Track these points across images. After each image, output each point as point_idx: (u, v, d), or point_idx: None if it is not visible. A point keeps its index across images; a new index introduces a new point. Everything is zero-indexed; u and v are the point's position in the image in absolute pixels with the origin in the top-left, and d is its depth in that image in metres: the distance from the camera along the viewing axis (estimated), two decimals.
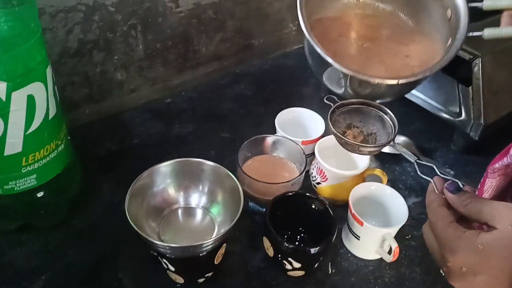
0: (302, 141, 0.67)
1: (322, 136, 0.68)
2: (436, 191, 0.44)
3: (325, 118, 0.60)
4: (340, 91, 0.59)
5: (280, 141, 0.67)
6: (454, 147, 0.78)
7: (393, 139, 0.54)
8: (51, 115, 0.53)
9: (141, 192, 0.56)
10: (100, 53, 0.76)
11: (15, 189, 0.54)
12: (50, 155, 0.55)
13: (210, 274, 0.56)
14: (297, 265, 0.55)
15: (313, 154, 0.66)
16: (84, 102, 0.79)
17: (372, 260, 0.61)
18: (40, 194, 0.57)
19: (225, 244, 0.55)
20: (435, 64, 0.55)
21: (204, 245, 0.51)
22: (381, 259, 0.61)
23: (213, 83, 0.90)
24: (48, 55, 0.53)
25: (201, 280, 0.56)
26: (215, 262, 0.55)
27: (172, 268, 0.53)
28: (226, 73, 0.93)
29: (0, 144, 0.50)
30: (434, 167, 0.47)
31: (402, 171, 0.74)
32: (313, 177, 0.67)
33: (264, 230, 0.56)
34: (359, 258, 0.62)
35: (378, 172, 0.66)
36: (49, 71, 0.52)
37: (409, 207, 0.59)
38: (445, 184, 0.43)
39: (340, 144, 0.56)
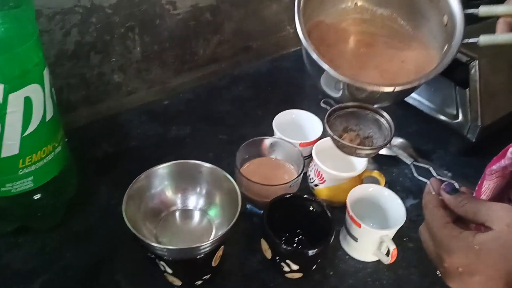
0: (300, 143, 0.67)
1: (320, 138, 0.68)
2: (433, 192, 0.44)
3: (322, 120, 0.60)
4: (337, 94, 0.59)
5: (278, 143, 0.67)
6: (451, 149, 0.78)
7: (390, 142, 0.54)
8: (48, 117, 0.53)
9: (139, 194, 0.56)
10: (98, 55, 0.76)
11: (12, 191, 0.54)
12: (47, 157, 0.55)
13: (207, 276, 0.56)
14: (295, 267, 0.55)
15: (311, 156, 0.66)
16: (81, 104, 0.79)
17: (370, 262, 0.61)
18: (37, 196, 0.57)
19: (222, 246, 0.55)
20: (431, 71, 0.56)
21: (202, 247, 0.51)
22: (379, 261, 0.61)
23: (211, 85, 0.90)
24: (45, 57, 0.52)
25: (198, 283, 0.56)
26: (213, 265, 0.55)
27: (170, 271, 0.53)
28: (224, 75, 0.93)
29: None
30: (431, 169, 0.47)
31: (400, 173, 0.74)
32: (310, 179, 0.67)
33: (262, 232, 0.56)
34: (357, 260, 0.62)
35: (375, 174, 0.66)
36: (46, 73, 0.52)
37: (406, 209, 0.59)
38: (442, 185, 0.43)
39: (337, 147, 0.56)
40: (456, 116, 0.72)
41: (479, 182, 0.47)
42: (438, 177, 0.45)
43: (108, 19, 0.74)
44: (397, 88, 0.54)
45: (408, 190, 0.71)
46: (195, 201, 0.61)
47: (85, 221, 0.63)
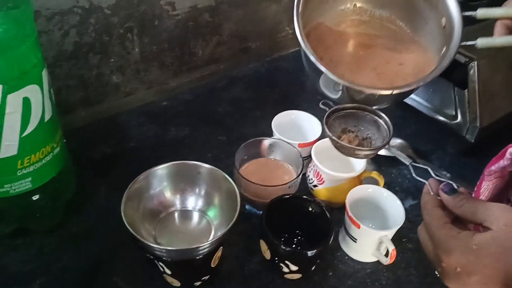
0: (299, 144, 0.67)
1: (319, 138, 0.68)
2: (431, 193, 0.44)
3: (321, 121, 0.60)
4: (335, 96, 0.59)
5: (277, 144, 0.67)
6: (450, 150, 0.79)
7: (388, 143, 0.54)
8: (46, 118, 0.53)
9: (137, 195, 0.56)
10: (96, 56, 0.76)
11: (10, 192, 0.54)
12: (45, 158, 0.55)
13: (206, 277, 0.56)
14: (294, 268, 0.55)
15: (310, 156, 0.66)
16: (80, 105, 0.79)
17: (369, 262, 0.61)
18: (35, 197, 0.57)
19: (221, 247, 0.55)
20: (429, 74, 0.56)
21: (201, 248, 0.51)
22: (378, 262, 0.61)
23: (210, 86, 0.90)
24: (44, 58, 0.52)
25: (197, 284, 0.56)
26: (212, 265, 0.55)
27: (169, 272, 0.53)
28: (223, 76, 0.93)
29: None
30: (429, 169, 0.47)
31: (399, 173, 0.74)
32: (310, 179, 0.67)
33: (261, 233, 0.56)
34: (356, 260, 0.62)
35: (374, 174, 0.66)
36: (44, 74, 0.52)
37: (405, 209, 0.59)
38: (440, 186, 0.43)
39: (336, 148, 0.56)
40: (455, 117, 0.72)
41: (478, 182, 0.47)
42: (437, 177, 0.45)
43: (107, 20, 0.74)
44: (395, 91, 0.55)
45: (407, 191, 0.71)
46: (194, 202, 0.61)
47: (83, 222, 0.63)
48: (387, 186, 0.68)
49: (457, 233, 0.40)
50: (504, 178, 0.46)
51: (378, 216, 0.63)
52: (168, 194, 0.60)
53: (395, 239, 0.59)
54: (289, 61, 1.00)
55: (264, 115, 0.82)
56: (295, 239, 0.62)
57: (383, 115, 0.56)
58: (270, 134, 0.70)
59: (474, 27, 0.60)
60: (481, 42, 0.55)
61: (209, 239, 0.57)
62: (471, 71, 0.67)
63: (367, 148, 0.55)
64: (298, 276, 0.57)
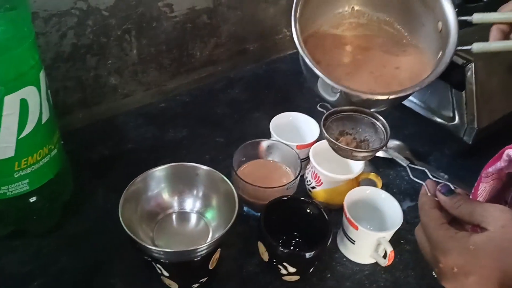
0: (297, 146, 0.67)
1: (317, 140, 0.68)
2: (429, 194, 0.44)
3: (319, 123, 0.60)
4: (333, 98, 0.59)
5: (275, 146, 0.67)
6: (448, 151, 0.79)
7: (386, 145, 0.54)
8: (44, 120, 0.53)
9: (135, 196, 0.56)
10: (94, 58, 0.76)
11: (7, 194, 0.54)
12: (43, 160, 0.54)
13: (204, 279, 0.56)
14: (292, 269, 0.55)
15: (308, 158, 0.66)
16: (77, 107, 0.78)
17: (367, 264, 0.61)
18: (32, 199, 0.56)
19: (219, 249, 0.55)
20: (425, 79, 0.56)
21: (199, 250, 0.50)
22: (376, 263, 0.61)
23: (208, 88, 0.90)
24: (42, 60, 0.52)
25: (195, 286, 0.56)
26: (210, 267, 0.55)
27: (166, 274, 0.53)
28: (221, 77, 0.93)
29: None
30: (426, 171, 0.48)
31: (397, 175, 0.74)
32: (308, 181, 0.67)
33: (259, 234, 0.56)
34: (354, 262, 0.62)
35: (372, 176, 0.66)
36: (42, 76, 0.52)
37: (403, 211, 0.59)
38: (438, 187, 0.44)
39: (334, 150, 0.56)
40: (453, 119, 0.72)
41: (475, 184, 0.47)
42: (434, 179, 0.45)
43: (105, 21, 0.73)
44: (392, 96, 0.55)
45: (405, 192, 0.71)
46: (191, 204, 0.61)
47: (81, 224, 0.63)
48: (385, 187, 0.68)
49: (454, 233, 0.40)
50: (502, 179, 0.46)
51: (376, 217, 0.63)
52: (166, 196, 0.60)
53: (393, 241, 0.59)
54: (287, 63, 1.00)
55: (262, 117, 0.82)
56: (293, 241, 0.62)
57: (380, 117, 0.57)
58: (268, 135, 0.70)
59: (472, 29, 0.60)
60: (477, 46, 0.55)
61: (207, 241, 0.56)
62: (469, 73, 0.67)
63: (365, 150, 0.55)
64: (296, 278, 0.57)
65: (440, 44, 0.59)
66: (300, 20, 0.58)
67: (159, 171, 0.58)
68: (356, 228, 0.58)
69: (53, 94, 0.57)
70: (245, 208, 0.65)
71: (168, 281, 0.55)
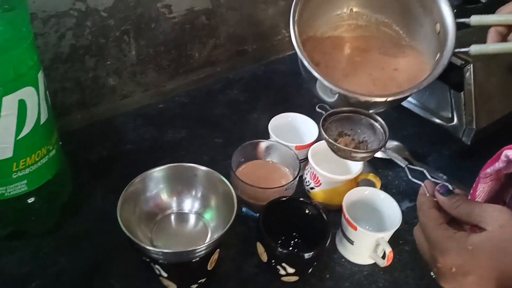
0: (296, 146, 0.67)
1: (316, 141, 0.68)
2: (427, 194, 0.44)
3: (318, 123, 0.60)
4: (332, 99, 0.60)
5: (274, 146, 0.67)
6: (446, 152, 0.79)
7: (384, 146, 0.54)
8: (42, 120, 0.53)
9: (134, 197, 0.56)
10: (92, 59, 0.76)
11: (6, 195, 0.53)
12: (41, 161, 0.54)
13: (203, 280, 0.56)
14: (291, 270, 0.55)
15: (306, 159, 0.66)
16: (76, 108, 0.78)
17: (366, 265, 0.61)
18: (31, 200, 0.56)
19: (218, 250, 0.55)
20: (422, 81, 0.57)
21: (197, 251, 0.50)
22: (375, 264, 0.61)
23: (206, 89, 0.90)
24: (40, 60, 0.52)
25: (194, 287, 0.56)
26: (208, 268, 0.55)
27: (165, 274, 0.53)
28: (219, 78, 0.93)
29: None
30: (425, 171, 0.48)
31: (395, 175, 0.74)
32: (306, 182, 0.67)
33: (258, 235, 0.56)
34: (353, 263, 0.62)
35: (371, 177, 0.66)
36: (40, 76, 0.52)
37: (402, 211, 0.59)
38: (436, 187, 0.44)
39: (333, 150, 0.56)
40: (451, 119, 0.72)
41: (474, 185, 0.47)
42: (432, 179, 0.45)
43: (103, 22, 0.73)
44: (389, 99, 0.56)
45: (404, 193, 0.71)
46: (190, 204, 0.60)
47: (79, 225, 0.62)
48: (384, 188, 0.68)
49: (452, 233, 0.40)
50: (500, 180, 0.46)
51: (375, 218, 0.63)
52: (164, 197, 0.60)
53: (392, 241, 0.59)
54: (285, 64, 1.00)
55: (261, 118, 0.82)
56: (292, 242, 0.61)
57: (379, 118, 0.57)
58: (267, 136, 0.70)
59: (470, 29, 0.60)
60: (475, 49, 0.56)
61: (206, 242, 0.56)
62: (467, 74, 0.67)
63: (363, 151, 0.55)
64: (295, 278, 0.57)
65: (438, 46, 0.59)
66: (298, 22, 0.58)
67: (158, 172, 0.58)
68: (355, 229, 0.58)
69: (52, 95, 0.57)
70: (244, 209, 0.65)
71: (166, 282, 0.54)
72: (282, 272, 0.56)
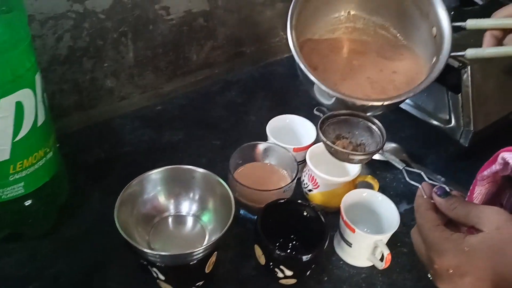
0: (294, 148, 0.67)
1: (314, 143, 0.68)
2: (425, 196, 0.44)
3: (316, 125, 0.60)
4: (329, 102, 0.60)
5: (272, 148, 0.67)
6: (444, 154, 0.79)
7: (382, 148, 0.54)
8: (39, 122, 0.53)
9: (131, 199, 0.56)
10: (90, 60, 0.76)
11: (2, 197, 0.53)
12: (38, 163, 0.54)
13: (201, 283, 0.56)
14: (289, 273, 0.55)
15: (304, 161, 0.66)
16: (73, 109, 0.78)
17: (364, 267, 0.61)
18: (28, 203, 0.56)
19: (216, 252, 0.55)
20: (419, 85, 0.57)
21: (195, 253, 0.50)
22: (373, 266, 0.61)
23: (204, 91, 0.90)
24: (38, 62, 0.52)
25: None
26: (206, 271, 0.54)
27: (162, 277, 0.53)
28: (217, 80, 0.93)
29: None
30: (422, 173, 0.48)
31: (393, 177, 0.74)
32: (304, 184, 0.67)
33: (256, 237, 0.56)
34: (351, 265, 0.61)
35: (369, 179, 0.66)
36: (38, 78, 0.52)
37: (400, 214, 0.59)
38: (434, 189, 0.44)
39: (330, 153, 0.56)
40: (449, 121, 0.72)
41: (471, 187, 0.48)
42: (430, 181, 0.46)
43: (101, 24, 0.73)
44: (386, 103, 0.56)
45: (402, 195, 0.71)
46: (188, 207, 0.60)
47: (77, 227, 0.62)
48: (382, 190, 0.68)
49: (449, 235, 0.40)
50: (497, 183, 0.46)
51: (373, 220, 0.63)
52: (162, 199, 0.59)
53: (390, 244, 0.59)
54: (283, 66, 1.00)
55: (258, 120, 0.82)
56: (290, 244, 0.61)
57: (376, 121, 0.57)
58: (264, 138, 0.70)
59: (467, 32, 0.60)
60: (470, 53, 0.56)
61: (203, 244, 0.56)
62: (465, 76, 0.68)
63: (361, 153, 0.55)
64: (293, 281, 0.57)
65: (435, 50, 0.59)
66: (296, 26, 0.58)
67: (155, 174, 0.58)
68: (353, 231, 0.58)
69: (49, 97, 0.57)
70: (241, 211, 0.65)
71: (164, 285, 0.54)
72: (280, 274, 0.56)
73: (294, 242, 0.62)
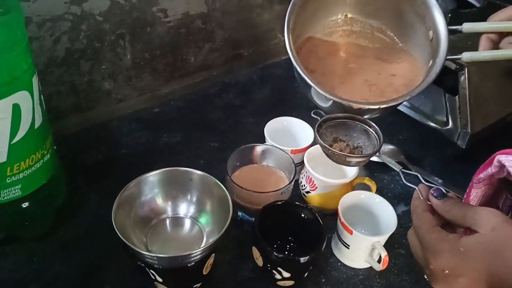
0: (291, 150, 0.67)
1: (311, 145, 0.68)
2: (421, 198, 0.45)
3: (314, 128, 0.60)
4: (326, 105, 0.60)
5: (269, 150, 0.67)
6: (442, 156, 0.79)
7: (378, 151, 0.55)
8: (37, 125, 0.53)
9: (129, 202, 0.56)
10: (88, 62, 0.76)
11: None
12: (35, 165, 0.54)
13: (198, 285, 0.56)
14: (286, 274, 0.55)
15: (302, 163, 0.66)
16: (71, 112, 0.78)
17: (361, 269, 0.61)
18: (25, 205, 0.56)
19: (213, 254, 0.55)
20: (415, 88, 0.57)
21: (192, 255, 0.50)
22: (370, 268, 0.61)
23: (202, 93, 0.90)
24: (35, 64, 0.52)
25: None
26: (204, 273, 0.54)
27: (160, 279, 0.53)
28: (215, 82, 0.93)
29: None
30: (419, 175, 0.48)
31: (391, 179, 0.74)
32: (302, 186, 0.67)
33: (253, 239, 0.56)
34: (348, 267, 0.61)
35: (367, 180, 0.66)
36: (35, 80, 0.52)
37: (398, 215, 0.59)
38: (430, 190, 0.44)
39: (327, 156, 0.57)
40: (446, 123, 0.73)
41: (467, 190, 0.48)
42: (426, 183, 0.46)
43: (99, 26, 0.73)
44: (382, 106, 0.56)
45: (399, 197, 0.72)
46: (185, 209, 0.60)
47: (74, 230, 0.62)
48: (379, 192, 0.68)
49: (445, 236, 0.41)
50: (493, 185, 0.46)
51: (371, 222, 0.63)
52: (159, 201, 0.59)
53: (388, 245, 0.59)
54: (281, 68, 1.00)
55: (256, 121, 0.82)
56: (288, 246, 0.61)
57: (373, 124, 0.57)
58: (262, 140, 0.70)
59: (464, 34, 0.61)
60: (466, 56, 0.56)
61: (201, 246, 0.56)
62: (462, 78, 0.68)
63: (358, 156, 0.55)
64: (290, 283, 0.57)
65: (431, 53, 0.59)
66: (293, 29, 0.58)
67: (153, 176, 0.58)
68: (351, 233, 0.58)
69: (47, 99, 0.57)
70: (239, 213, 0.65)
71: (162, 287, 0.54)
72: (278, 276, 0.55)
73: (291, 244, 0.61)
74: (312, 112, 0.63)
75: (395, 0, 0.63)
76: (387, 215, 0.61)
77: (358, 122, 0.58)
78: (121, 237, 0.49)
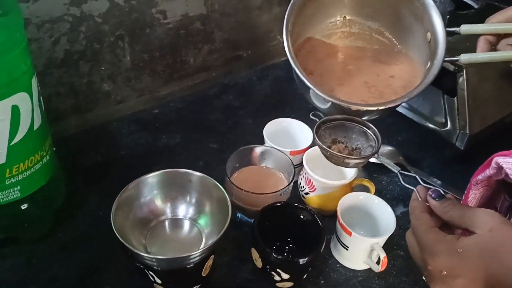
0: (290, 152, 0.67)
1: (310, 146, 0.68)
2: (420, 199, 0.45)
3: (312, 129, 0.60)
4: (325, 107, 0.60)
5: (269, 152, 0.67)
6: (440, 157, 0.79)
7: (377, 153, 0.55)
8: (36, 126, 0.53)
9: (128, 203, 0.56)
10: (87, 64, 0.76)
11: None
12: (34, 167, 0.54)
13: (197, 286, 0.56)
14: (285, 276, 0.55)
15: (301, 164, 0.66)
16: (70, 113, 0.78)
17: (360, 270, 0.61)
18: (24, 207, 0.56)
19: (212, 256, 0.55)
20: (413, 90, 0.57)
21: (192, 257, 0.50)
22: (369, 269, 0.61)
23: (201, 94, 0.90)
24: (34, 66, 0.52)
25: None
26: (203, 274, 0.54)
27: (159, 281, 0.53)
28: (214, 83, 0.93)
29: None
30: (417, 176, 0.48)
31: (390, 181, 0.74)
32: (301, 187, 0.67)
33: (252, 241, 0.56)
34: (347, 268, 0.61)
35: (366, 182, 0.66)
36: (34, 82, 0.52)
37: (397, 217, 0.59)
38: (429, 192, 0.44)
39: (326, 157, 0.57)
40: (445, 124, 0.73)
41: (466, 191, 0.48)
42: (424, 184, 0.46)
43: (98, 27, 0.73)
44: (381, 107, 0.56)
45: (398, 198, 0.72)
46: (184, 210, 0.60)
47: (73, 231, 0.62)
48: (378, 193, 0.68)
49: (443, 236, 0.41)
50: (491, 187, 0.46)
51: (370, 223, 0.63)
52: (158, 202, 0.59)
53: (387, 247, 0.59)
54: (280, 69, 1.00)
55: (255, 123, 0.82)
56: (287, 247, 0.61)
57: (371, 126, 0.57)
58: (261, 141, 0.70)
59: (463, 36, 0.61)
60: (464, 58, 0.56)
61: (200, 248, 0.56)
62: (460, 79, 0.68)
63: (356, 157, 0.56)
64: (289, 284, 0.57)
65: (429, 55, 0.59)
66: (292, 31, 0.59)
67: (152, 178, 0.58)
68: (350, 234, 0.58)
69: (46, 100, 0.57)
70: (238, 215, 0.65)
71: None
72: (277, 278, 0.55)
73: (291, 245, 0.62)
74: (311, 114, 0.63)
75: (393, 2, 0.63)
76: (386, 216, 0.61)
77: (356, 124, 0.58)
78: (120, 239, 0.49)
